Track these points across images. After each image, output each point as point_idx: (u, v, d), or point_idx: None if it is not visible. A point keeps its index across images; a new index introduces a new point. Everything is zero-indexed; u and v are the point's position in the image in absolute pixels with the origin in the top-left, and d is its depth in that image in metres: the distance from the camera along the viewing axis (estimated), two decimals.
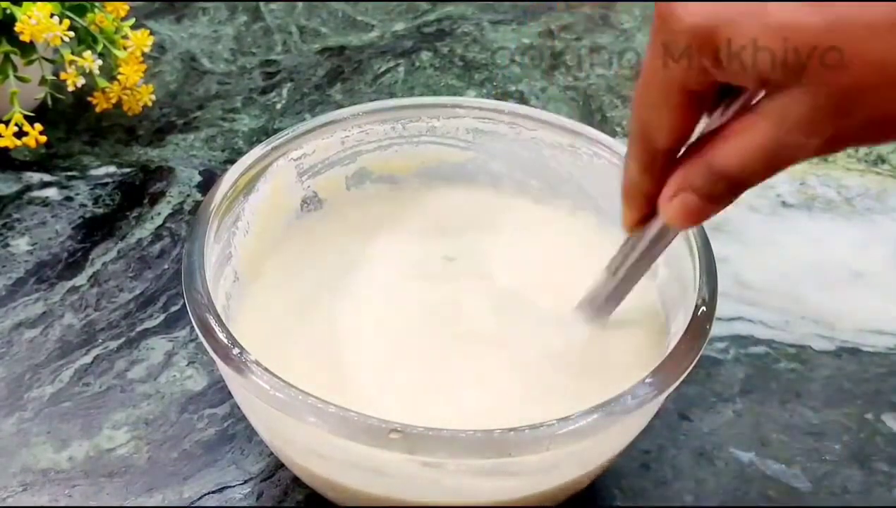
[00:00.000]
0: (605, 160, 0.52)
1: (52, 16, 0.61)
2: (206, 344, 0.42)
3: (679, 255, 0.48)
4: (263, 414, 0.44)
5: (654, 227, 0.43)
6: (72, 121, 0.70)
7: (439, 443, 0.38)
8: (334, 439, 0.39)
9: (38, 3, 0.61)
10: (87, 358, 0.55)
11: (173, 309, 0.58)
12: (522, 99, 0.74)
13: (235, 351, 0.41)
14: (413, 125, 0.54)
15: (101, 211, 0.64)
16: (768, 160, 0.35)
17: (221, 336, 0.42)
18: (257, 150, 0.51)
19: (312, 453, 0.43)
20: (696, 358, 0.42)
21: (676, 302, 0.48)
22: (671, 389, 0.41)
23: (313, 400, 0.39)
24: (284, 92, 0.74)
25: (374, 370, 0.47)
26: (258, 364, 0.41)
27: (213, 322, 0.42)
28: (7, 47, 0.63)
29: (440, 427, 0.38)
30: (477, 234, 0.54)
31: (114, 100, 0.68)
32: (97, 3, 0.66)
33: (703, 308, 0.44)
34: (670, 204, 0.39)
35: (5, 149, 0.64)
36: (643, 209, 0.41)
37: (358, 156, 0.54)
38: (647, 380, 0.41)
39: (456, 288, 0.51)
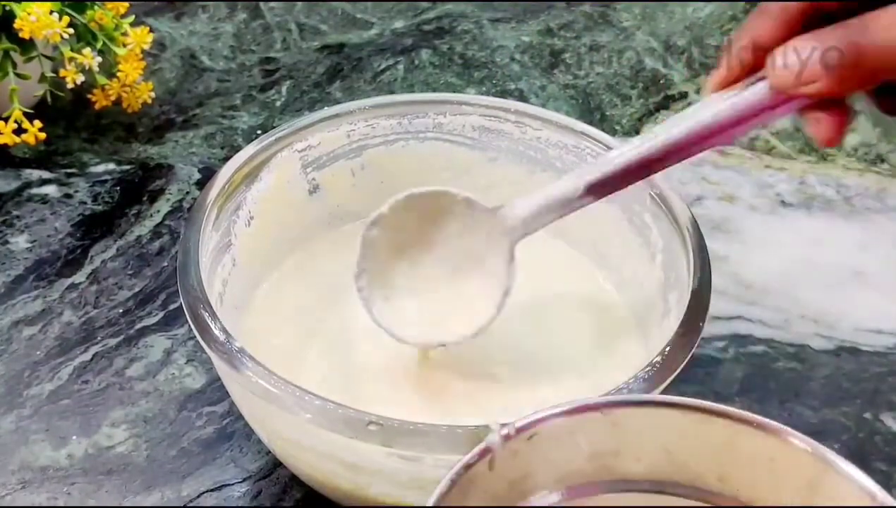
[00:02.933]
0: None
1: (51, 13, 0.61)
2: (193, 328, 0.42)
3: (673, 251, 0.48)
4: (249, 402, 0.44)
5: (724, 104, 0.41)
6: (71, 119, 0.70)
7: (416, 437, 0.39)
8: (317, 430, 0.40)
9: (38, 1, 0.61)
10: (86, 356, 0.55)
11: (172, 306, 0.58)
12: (522, 97, 0.74)
13: (222, 337, 0.41)
14: (419, 121, 0.54)
15: (100, 208, 0.64)
16: None
17: (205, 316, 0.42)
18: (262, 140, 0.51)
19: (299, 446, 0.43)
20: (690, 355, 0.42)
21: (670, 299, 0.48)
22: (664, 385, 0.41)
23: (294, 390, 0.40)
24: (284, 89, 0.74)
25: (385, 370, 0.48)
26: (243, 352, 0.41)
27: (202, 309, 0.43)
28: (7, 44, 0.63)
29: (418, 422, 0.39)
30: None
31: (113, 98, 0.68)
32: (97, 1, 0.66)
33: (697, 305, 0.44)
34: (786, 56, 0.38)
35: (5, 146, 0.64)
36: (746, 62, 0.40)
37: (363, 150, 0.54)
38: (641, 377, 0.41)
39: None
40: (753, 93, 0.40)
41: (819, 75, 0.38)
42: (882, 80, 0.37)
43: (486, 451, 0.35)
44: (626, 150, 0.43)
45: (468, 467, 0.35)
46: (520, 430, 0.36)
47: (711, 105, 0.41)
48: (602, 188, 0.44)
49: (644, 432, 0.37)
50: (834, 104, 0.39)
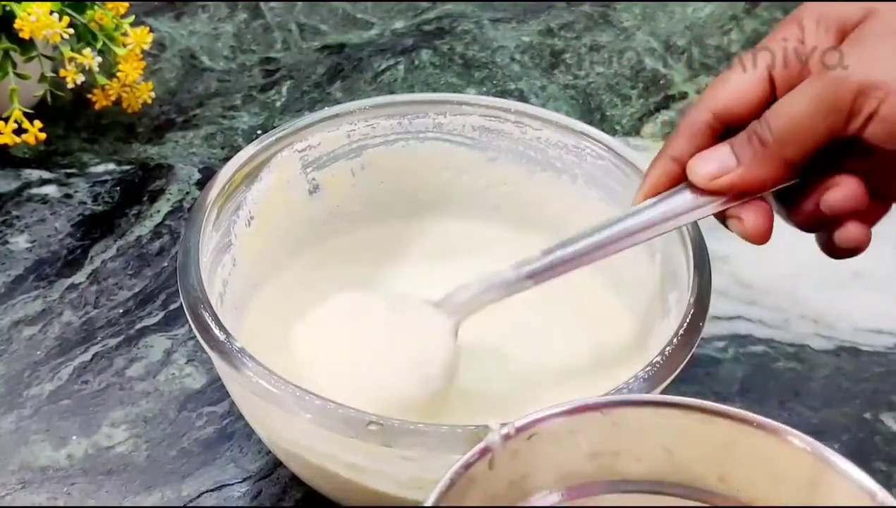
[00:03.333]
0: (607, 161, 0.52)
1: (51, 13, 0.61)
2: (194, 328, 0.42)
3: (672, 251, 0.48)
4: (249, 402, 0.44)
5: (654, 208, 0.44)
6: (71, 119, 0.70)
7: (416, 437, 0.39)
8: (317, 430, 0.40)
9: (38, 1, 0.61)
10: (86, 356, 0.55)
11: (172, 306, 0.58)
12: (522, 97, 0.74)
13: (222, 337, 0.41)
14: (419, 121, 0.54)
15: (100, 208, 0.64)
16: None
17: (206, 316, 0.42)
18: (261, 140, 0.51)
19: (299, 446, 0.43)
20: (690, 355, 0.42)
21: (669, 299, 0.48)
22: (664, 385, 0.41)
23: (294, 390, 0.40)
24: (284, 89, 0.74)
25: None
26: (243, 352, 0.41)
27: (202, 309, 0.43)
28: (7, 44, 0.63)
29: (418, 422, 0.39)
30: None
31: (113, 98, 0.68)
32: (97, 1, 0.66)
33: (697, 304, 0.44)
34: (702, 157, 0.42)
35: (5, 146, 0.64)
36: (671, 171, 0.43)
37: (364, 150, 0.54)
38: (640, 377, 0.41)
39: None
40: (678, 197, 0.43)
41: (732, 166, 0.41)
42: (792, 163, 0.41)
43: (485, 451, 0.35)
44: (561, 247, 0.46)
45: (468, 466, 0.35)
46: (519, 430, 0.36)
47: (642, 211, 0.44)
48: (540, 276, 0.46)
49: (644, 432, 0.37)
50: (753, 199, 0.42)
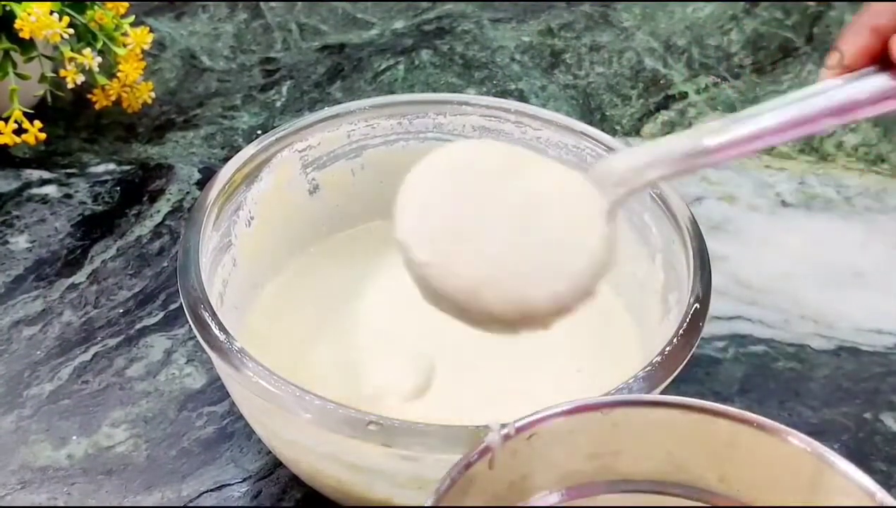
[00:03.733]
0: None
1: (51, 13, 0.61)
2: (194, 328, 0.42)
3: (672, 251, 0.48)
4: (249, 402, 0.44)
5: (839, 90, 0.38)
6: (71, 119, 0.70)
7: (416, 437, 0.39)
8: (317, 430, 0.40)
9: (38, 1, 0.61)
10: (87, 356, 0.55)
11: (172, 306, 0.58)
12: (522, 97, 0.74)
13: (222, 337, 0.41)
14: (419, 121, 0.54)
15: (100, 208, 0.64)
16: None
17: (206, 316, 0.42)
18: (261, 141, 0.51)
19: (299, 446, 0.43)
20: (689, 355, 0.42)
21: (669, 299, 0.48)
22: (664, 385, 0.41)
23: (294, 390, 0.40)
24: (284, 89, 0.74)
25: (392, 373, 0.48)
26: (243, 352, 0.41)
27: (202, 309, 0.43)
28: (7, 44, 0.63)
29: (418, 421, 0.39)
30: None
31: (113, 98, 0.68)
32: (97, 1, 0.66)
33: (697, 305, 0.44)
34: None
35: (5, 146, 0.64)
36: (870, 45, 0.37)
37: (364, 150, 0.54)
38: (640, 377, 0.41)
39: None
40: (878, 78, 0.37)
41: None
42: None
43: (485, 451, 0.35)
44: (751, 118, 0.38)
45: (468, 466, 0.35)
46: (519, 430, 0.36)
47: (842, 87, 0.38)
48: (724, 151, 0.38)
49: (644, 432, 0.37)
50: None
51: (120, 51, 0.66)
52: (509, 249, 0.36)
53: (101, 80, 0.67)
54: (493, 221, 0.36)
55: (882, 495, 0.34)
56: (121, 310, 0.57)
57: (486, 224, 0.36)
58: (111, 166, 0.67)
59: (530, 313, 0.36)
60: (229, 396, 0.50)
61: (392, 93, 0.74)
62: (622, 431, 0.37)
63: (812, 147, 0.70)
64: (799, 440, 0.36)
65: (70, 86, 0.65)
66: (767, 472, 0.36)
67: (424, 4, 0.83)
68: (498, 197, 0.37)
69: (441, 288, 0.36)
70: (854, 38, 0.38)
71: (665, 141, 0.39)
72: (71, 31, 0.63)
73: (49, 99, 0.66)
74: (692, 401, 0.37)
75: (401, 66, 0.77)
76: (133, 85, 0.68)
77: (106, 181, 0.66)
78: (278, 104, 0.73)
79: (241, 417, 0.50)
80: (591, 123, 0.58)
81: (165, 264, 0.60)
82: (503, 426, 0.35)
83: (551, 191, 0.38)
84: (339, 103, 0.62)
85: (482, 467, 0.35)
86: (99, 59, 0.65)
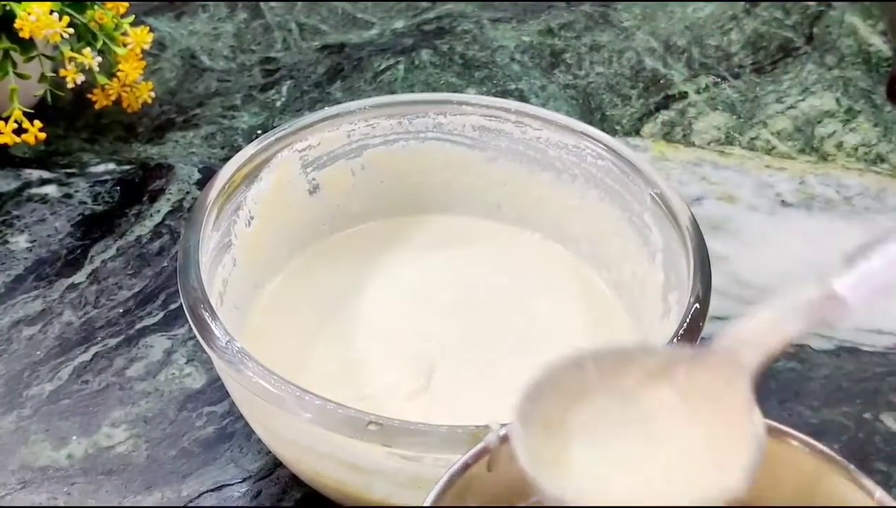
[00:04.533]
0: (607, 161, 0.52)
1: (51, 12, 0.61)
2: (194, 328, 0.42)
3: (672, 251, 0.48)
4: (249, 402, 0.44)
5: None
6: (71, 118, 0.70)
7: (416, 437, 0.39)
8: (317, 430, 0.40)
9: (38, 1, 0.61)
10: (86, 356, 0.55)
11: (172, 306, 0.58)
12: (522, 97, 0.74)
13: (222, 337, 0.41)
14: (419, 121, 0.54)
15: (100, 208, 0.64)
16: None
17: (206, 316, 0.42)
18: (261, 140, 0.51)
19: (299, 446, 0.43)
20: None
21: (669, 299, 0.48)
22: None
23: (294, 390, 0.40)
24: (284, 89, 0.74)
25: (394, 373, 0.48)
26: (243, 352, 0.41)
27: (202, 309, 0.43)
28: (7, 44, 0.63)
29: (419, 422, 0.39)
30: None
31: (113, 97, 0.68)
32: (97, 0, 0.66)
33: (697, 305, 0.44)
34: None
35: (5, 146, 0.64)
36: None
37: (364, 150, 0.54)
38: None
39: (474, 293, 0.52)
40: None
41: None
42: None
43: (484, 451, 0.35)
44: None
45: (466, 467, 0.35)
46: None
47: None
48: (856, 294, 0.33)
49: None
50: None
51: (120, 50, 0.66)
52: None
53: (101, 79, 0.67)
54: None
55: (881, 494, 0.34)
56: (121, 310, 0.57)
57: None
58: (111, 166, 0.67)
59: None
60: (229, 396, 0.51)
61: (392, 92, 0.74)
62: None
63: (812, 147, 0.70)
64: (799, 440, 0.36)
65: (70, 85, 0.65)
66: (767, 472, 0.36)
67: (424, 4, 0.83)
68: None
69: None
70: None
71: (786, 298, 0.34)
72: (71, 30, 0.63)
73: (49, 98, 0.66)
74: None
75: (401, 66, 0.77)
76: (133, 84, 0.68)
77: (106, 181, 0.66)
78: (278, 104, 0.73)
79: (241, 417, 0.50)
80: (591, 123, 0.58)
81: (165, 264, 0.60)
82: (503, 426, 0.35)
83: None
84: (339, 103, 0.62)
85: (481, 468, 0.35)
86: (99, 58, 0.65)
